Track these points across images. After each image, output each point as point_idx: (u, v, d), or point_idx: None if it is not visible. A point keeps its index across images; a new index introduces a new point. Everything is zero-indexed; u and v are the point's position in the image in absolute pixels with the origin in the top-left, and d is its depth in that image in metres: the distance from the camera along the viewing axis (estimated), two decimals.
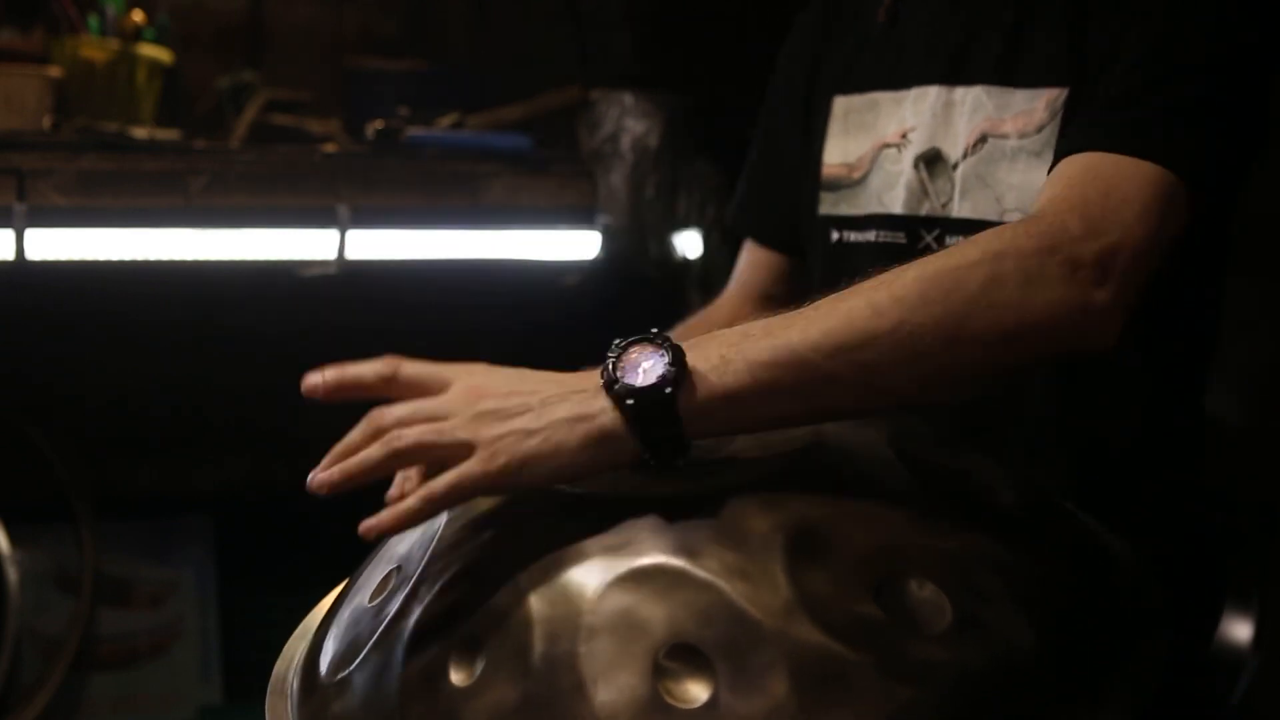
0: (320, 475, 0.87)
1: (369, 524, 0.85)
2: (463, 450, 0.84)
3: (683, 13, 2.42)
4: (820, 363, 0.87)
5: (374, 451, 0.86)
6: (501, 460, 0.84)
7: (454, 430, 0.85)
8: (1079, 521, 0.99)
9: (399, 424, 0.86)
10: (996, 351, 0.91)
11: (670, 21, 2.44)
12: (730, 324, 1.45)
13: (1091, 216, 0.98)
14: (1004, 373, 0.94)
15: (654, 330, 0.88)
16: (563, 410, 0.85)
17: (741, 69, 1.51)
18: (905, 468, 0.88)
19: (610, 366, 0.86)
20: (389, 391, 0.89)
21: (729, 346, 0.87)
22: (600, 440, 0.84)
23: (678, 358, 0.86)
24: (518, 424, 0.84)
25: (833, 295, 0.92)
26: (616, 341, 0.88)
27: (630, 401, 0.84)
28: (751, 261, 1.50)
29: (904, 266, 0.92)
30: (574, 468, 0.85)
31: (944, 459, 0.95)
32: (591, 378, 0.87)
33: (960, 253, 0.94)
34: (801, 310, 0.91)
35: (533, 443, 0.84)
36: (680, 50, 2.43)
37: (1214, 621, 1.20)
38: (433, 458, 0.85)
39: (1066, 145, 1.08)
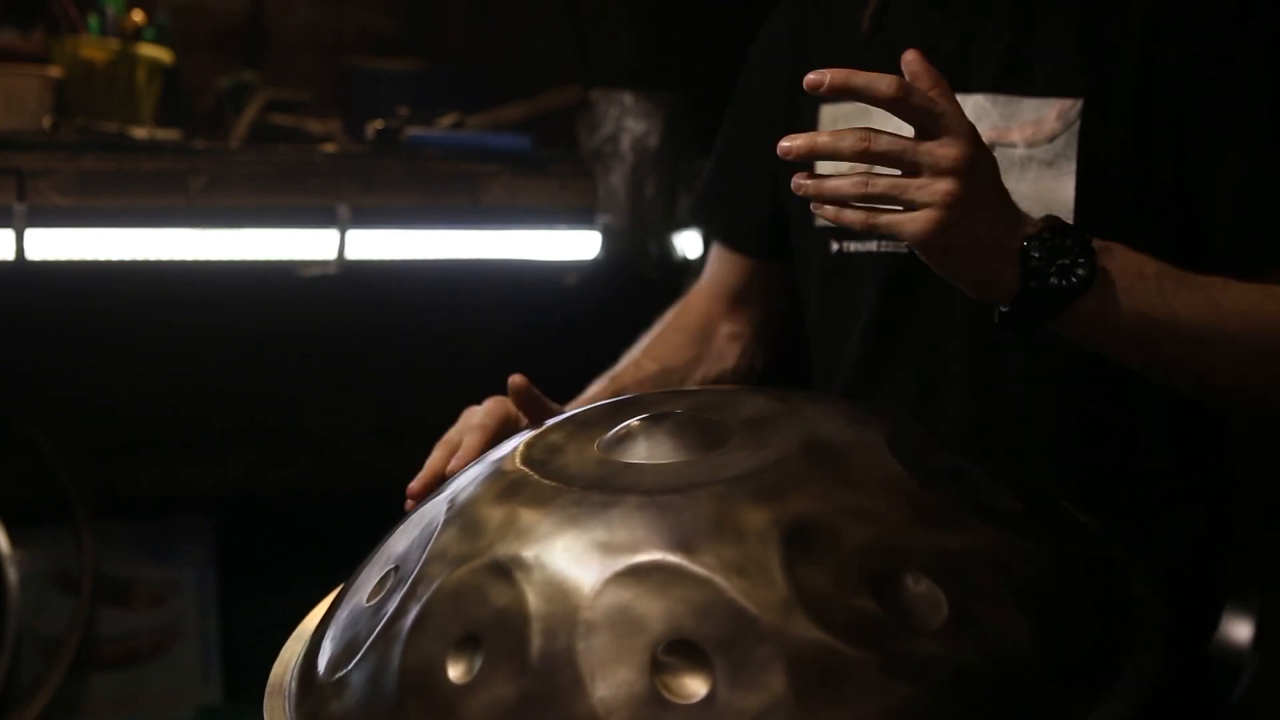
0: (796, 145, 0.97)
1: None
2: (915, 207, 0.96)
3: (683, 13, 2.43)
4: (1185, 341, 1.04)
5: (848, 144, 0.96)
6: (938, 236, 0.96)
7: (927, 214, 0.95)
8: (1077, 520, 0.99)
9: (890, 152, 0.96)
10: None
11: (670, 21, 2.45)
12: (703, 327, 1.47)
13: None
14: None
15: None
16: (992, 235, 0.98)
17: (741, 69, 1.51)
18: (902, 465, 0.88)
19: (1038, 241, 0.99)
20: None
21: (1127, 279, 1.02)
22: (994, 282, 0.99)
23: (1090, 270, 0.99)
24: (971, 220, 0.97)
25: (1217, 280, 1.07)
26: (1048, 217, 1.00)
27: (1033, 284, 0.98)
28: (720, 263, 1.50)
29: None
30: (964, 271, 0.99)
31: (941, 457, 0.94)
32: (1018, 226, 1.00)
33: None
34: (1188, 278, 1.05)
35: (961, 240, 0.97)
36: (680, 50, 2.43)
37: (1214, 621, 1.19)
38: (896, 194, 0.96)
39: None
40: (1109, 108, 1.15)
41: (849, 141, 0.96)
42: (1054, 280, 0.99)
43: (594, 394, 1.35)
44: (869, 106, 1.29)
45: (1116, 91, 1.15)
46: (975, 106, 1.21)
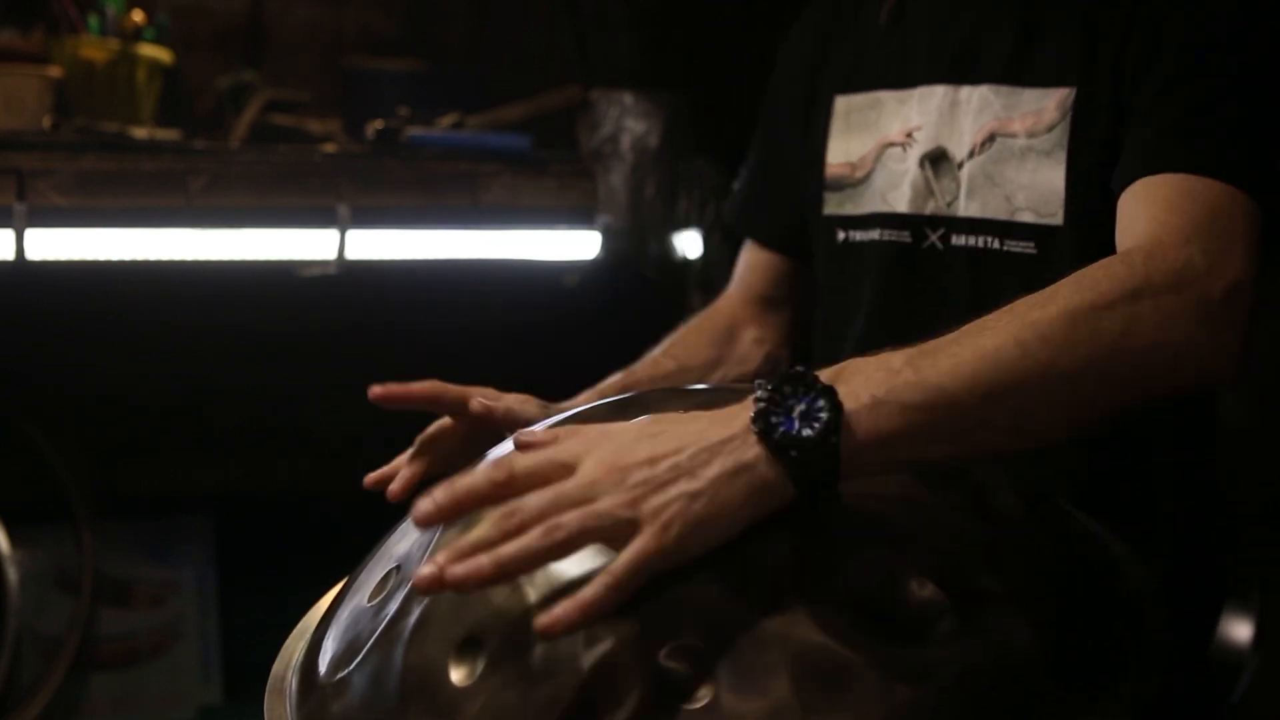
0: (454, 571, 0.75)
1: (547, 623, 0.75)
2: (628, 528, 0.77)
3: (683, 13, 2.43)
4: (972, 406, 0.85)
5: (534, 543, 0.76)
6: (675, 530, 0.77)
7: (613, 510, 0.77)
8: (1078, 521, 0.99)
9: (544, 514, 0.77)
10: (1133, 392, 0.92)
11: (670, 21, 2.45)
12: (727, 330, 1.46)
13: (1212, 251, 0.97)
14: (1131, 411, 0.94)
15: (797, 369, 0.84)
16: (718, 465, 0.79)
17: (741, 69, 1.52)
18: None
19: (763, 411, 0.81)
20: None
21: (877, 386, 0.84)
22: (761, 489, 0.80)
23: (833, 403, 0.81)
24: (678, 489, 0.78)
25: (970, 327, 0.90)
26: (760, 381, 0.83)
27: (794, 453, 0.80)
28: (751, 263, 1.50)
29: (1039, 298, 0.91)
30: (741, 523, 0.79)
31: None
32: (731, 420, 0.81)
33: (1094, 287, 0.92)
34: (941, 344, 0.88)
35: (699, 506, 0.78)
36: (680, 50, 2.43)
37: (1214, 621, 1.20)
38: (597, 541, 0.78)
39: (1142, 162, 1.06)
40: (1094, 99, 1.16)
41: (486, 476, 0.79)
42: (808, 433, 0.81)
43: (605, 388, 1.34)
44: (883, 98, 1.30)
45: (1098, 83, 1.15)
46: (980, 98, 1.22)
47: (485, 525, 0.77)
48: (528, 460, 0.80)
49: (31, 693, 2.22)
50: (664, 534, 0.77)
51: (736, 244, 1.55)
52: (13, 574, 2.23)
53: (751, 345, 1.47)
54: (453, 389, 1.22)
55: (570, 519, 0.77)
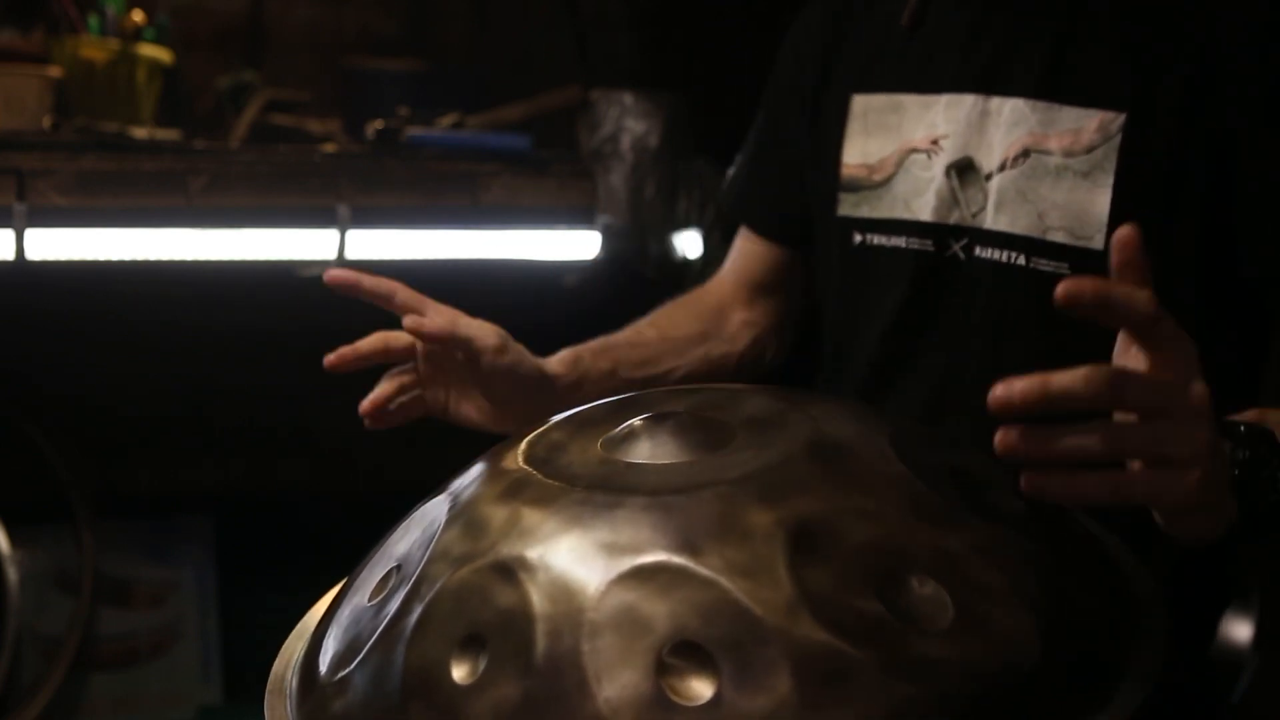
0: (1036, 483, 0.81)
1: (1038, 482, 0.81)
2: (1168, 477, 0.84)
3: (683, 13, 2.43)
4: None
5: (1102, 497, 0.83)
6: (1195, 507, 0.87)
7: (1190, 472, 0.83)
8: (1079, 521, 0.99)
9: (1145, 452, 0.83)
10: None
11: (670, 21, 2.45)
12: (716, 309, 1.46)
13: None
14: None
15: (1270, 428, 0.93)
16: (1216, 492, 0.88)
17: (741, 69, 1.51)
18: (907, 465, 0.88)
19: (1247, 462, 0.92)
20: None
21: None
22: (1205, 530, 0.92)
23: None
24: (1213, 489, 0.86)
25: None
26: (1245, 427, 0.92)
27: (1256, 513, 0.92)
28: (745, 250, 1.49)
29: None
30: (1202, 522, 0.91)
31: (945, 458, 0.94)
32: (1219, 444, 0.88)
33: None
34: None
35: (1211, 494, 0.87)
36: (680, 50, 2.43)
37: (1214, 621, 1.19)
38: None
39: None
40: (1152, 124, 1.14)
41: (1093, 387, 0.79)
42: (1274, 498, 0.94)
43: (582, 351, 1.34)
44: (905, 102, 1.28)
45: (1160, 109, 1.14)
46: (1014, 110, 1.20)
47: (1086, 432, 0.81)
48: (1137, 390, 0.81)
49: (31, 693, 2.22)
50: (1197, 481, 0.83)
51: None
52: (13, 574, 2.23)
53: (740, 326, 1.47)
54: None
55: (1139, 490, 0.83)
